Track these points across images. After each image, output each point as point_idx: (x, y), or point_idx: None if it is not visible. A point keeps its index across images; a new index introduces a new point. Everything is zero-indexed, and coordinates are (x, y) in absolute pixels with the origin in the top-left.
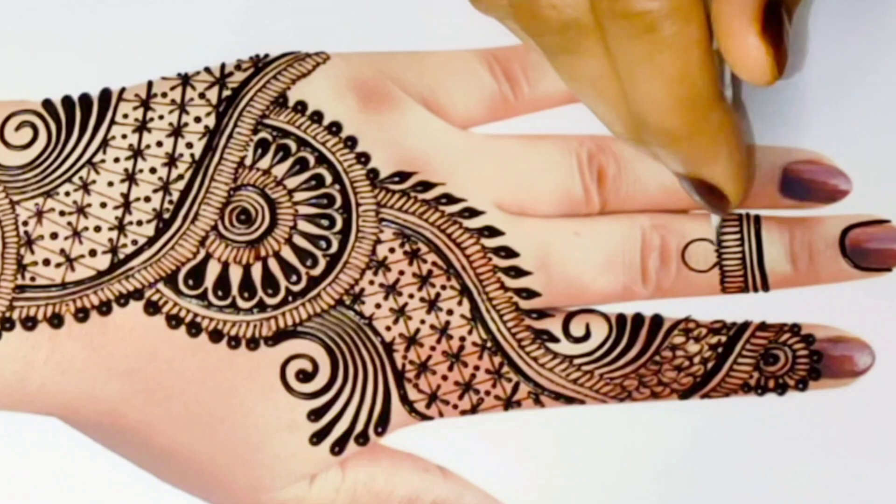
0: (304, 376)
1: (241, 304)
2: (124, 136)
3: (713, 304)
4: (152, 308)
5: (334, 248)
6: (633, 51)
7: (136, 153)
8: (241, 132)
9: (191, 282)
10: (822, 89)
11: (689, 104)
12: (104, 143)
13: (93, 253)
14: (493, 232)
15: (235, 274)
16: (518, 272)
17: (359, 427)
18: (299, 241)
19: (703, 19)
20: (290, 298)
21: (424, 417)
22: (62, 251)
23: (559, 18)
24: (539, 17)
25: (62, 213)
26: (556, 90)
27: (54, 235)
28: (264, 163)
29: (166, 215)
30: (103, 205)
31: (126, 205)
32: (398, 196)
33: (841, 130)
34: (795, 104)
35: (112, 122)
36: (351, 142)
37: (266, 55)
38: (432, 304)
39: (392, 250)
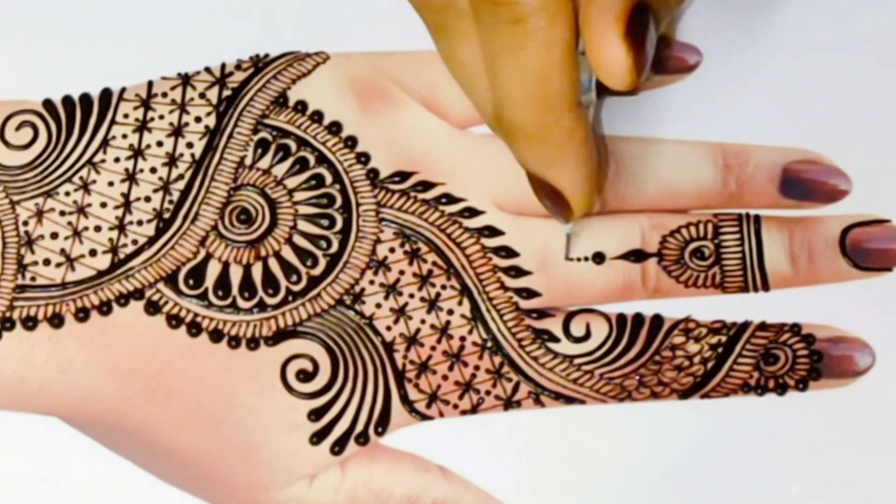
0: (305, 376)
1: (241, 303)
2: (125, 136)
3: (713, 304)
4: (153, 308)
5: (334, 247)
6: (498, 41)
7: (137, 153)
8: (242, 132)
9: (191, 281)
10: (823, 89)
11: (543, 104)
12: (104, 143)
13: (93, 253)
14: (493, 232)
15: (236, 274)
16: (518, 272)
17: (359, 427)
18: (299, 240)
19: (571, 20)
20: (290, 298)
21: (424, 417)
22: (62, 251)
23: None
24: None
25: (62, 213)
26: None
27: (54, 235)
28: (264, 162)
29: (166, 215)
30: (103, 204)
31: (126, 204)
32: (398, 196)
33: (841, 130)
34: (796, 104)
35: (112, 121)
36: (351, 141)
37: (266, 55)
38: (432, 304)
39: (392, 250)
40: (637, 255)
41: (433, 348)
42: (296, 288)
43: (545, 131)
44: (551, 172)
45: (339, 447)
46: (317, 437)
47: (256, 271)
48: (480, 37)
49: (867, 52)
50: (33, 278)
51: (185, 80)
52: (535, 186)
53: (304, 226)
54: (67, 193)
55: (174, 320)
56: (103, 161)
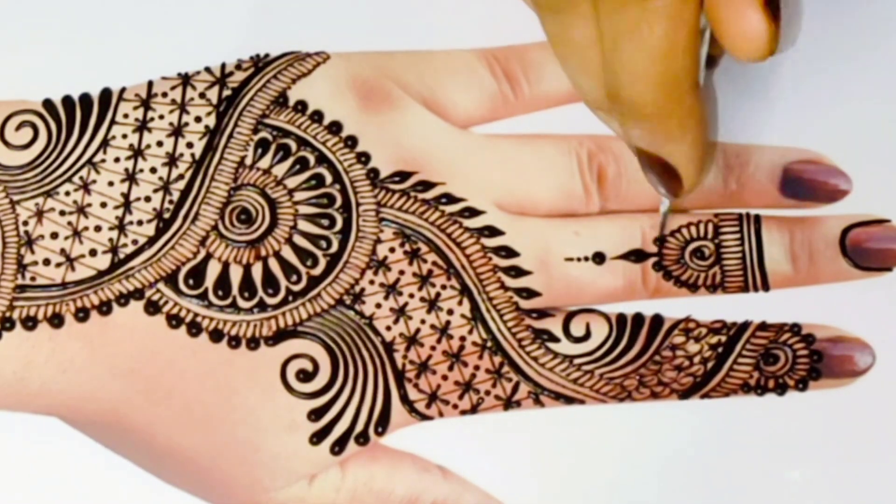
0: (305, 376)
1: (241, 303)
2: (125, 136)
3: (713, 304)
4: (153, 308)
5: (334, 247)
6: (622, 19)
7: (137, 153)
8: (242, 132)
9: (191, 281)
10: (823, 89)
11: (667, 82)
12: (104, 143)
13: (93, 253)
14: (493, 231)
15: (236, 274)
16: (518, 272)
17: (359, 427)
18: (299, 240)
19: None
20: (290, 298)
21: (424, 417)
22: (62, 251)
23: None
24: None
25: (62, 213)
26: (556, 90)
27: (54, 235)
28: (264, 162)
29: (167, 215)
30: (103, 204)
31: (126, 204)
32: (398, 196)
33: (841, 130)
34: (796, 104)
35: (112, 121)
36: (351, 141)
37: (266, 55)
38: (432, 304)
39: (392, 250)
40: (637, 255)
41: (433, 348)
42: (296, 288)
43: (667, 110)
44: (668, 149)
45: (339, 447)
46: (317, 437)
47: (256, 271)
48: (602, 16)
49: (867, 52)
50: (33, 278)
51: (185, 80)
52: (646, 164)
53: (304, 226)
54: (67, 193)
55: (174, 320)
56: (103, 161)
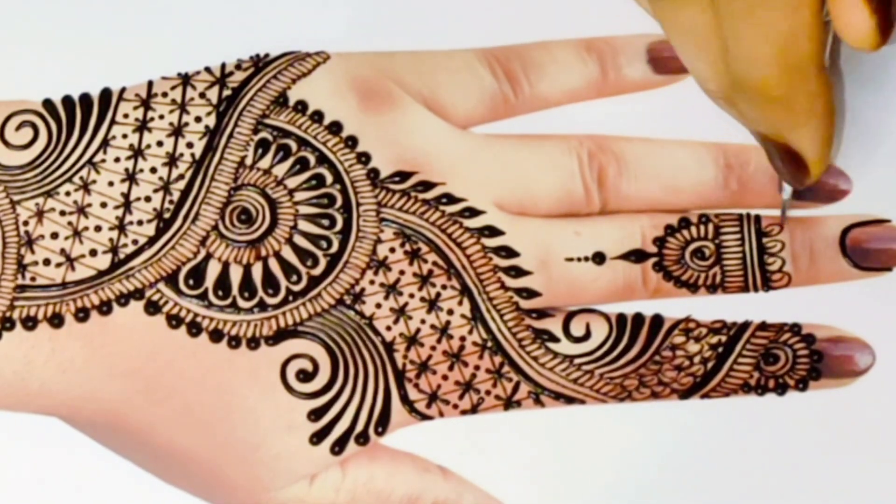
0: (305, 376)
1: (241, 303)
2: (125, 136)
3: (713, 304)
4: (153, 308)
5: (335, 247)
6: (742, 5)
7: (137, 153)
8: (242, 132)
9: (191, 281)
10: None
11: (792, 66)
12: (104, 143)
13: (93, 253)
14: (493, 231)
15: (236, 274)
16: (518, 272)
17: (359, 427)
18: (300, 240)
19: None
20: (290, 298)
21: (424, 417)
22: (62, 251)
23: None
24: None
25: (62, 213)
26: (557, 90)
27: (55, 235)
28: (265, 162)
29: (167, 215)
30: (104, 204)
31: (126, 204)
32: (399, 196)
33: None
34: None
35: (112, 121)
36: (351, 141)
37: (266, 55)
38: (433, 304)
39: (392, 250)
40: (637, 255)
41: (433, 348)
42: (296, 288)
43: (791, 94)
44: (793, 135)
45: (339, 447)
46: (317, 437)
47: (256, 271)
48: (720, 2)
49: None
50: (33, 278)
51: (185, 80)
52: (771, 150)
53: (304, 226)
54: (68, 193)
55: (174, 320)
56: (103, 161)
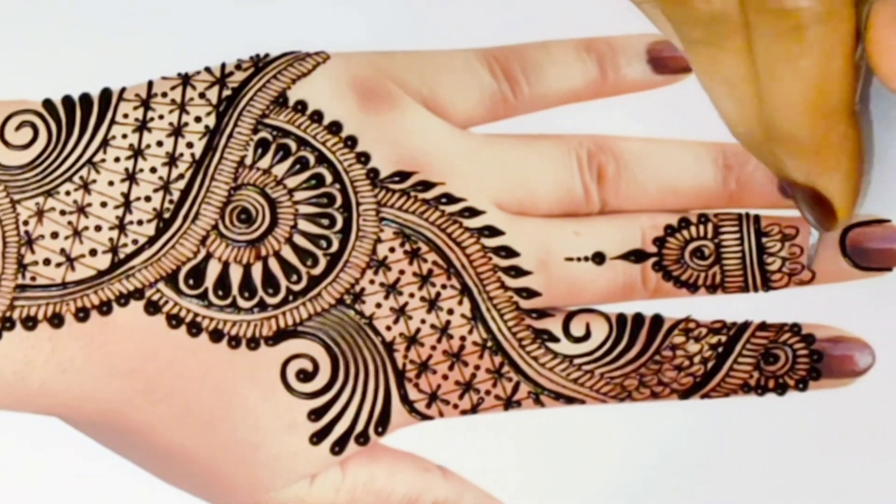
0: (305, 376)
1: (241, 303)
2: (125, 136)
3: (713, 304)
4: (153, 308)
5: (335, 247)
6: (776, 50)
7: (137, 153)
8: (242, 132)
9: (191, 281)
10: None
11: (824, 112)
12: (104, 143)
13: (93, 252)
14: (493, 231)
15: (236, 273)
16: (518, 272)
17: (359, 427)
18: (300, 240)
19: (853, 26)
20: (290, 298)
21: (425, 417)
22: (62, 251)
23: (709, 10)
24: (688, 7)
25: (63, 213)
26: (556, 90)
27: (55, 235)
28: (264, 162)
29: (167, 215)
30: (104, 204)
31: (126, 204)
32: (398, 195)
33: None
34: None
35: (112, 121)
36: (351, 141)
37: (266, 55)
38: (433, 304)
39: (392, 250)
40: (637, 255)
41: (433, 348)
42: (296, 287)
43: (822, 139)
44: (822, 180)
45: (339, 447)
46: (317, 437)
47: (256, 271)
48: (756, 48)
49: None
50: (33, 278)
51: (185, 80)
52: (799, 195)
53: (304, 225)
54: (68, 193)
55: (174, 320)
56: (103, 161)
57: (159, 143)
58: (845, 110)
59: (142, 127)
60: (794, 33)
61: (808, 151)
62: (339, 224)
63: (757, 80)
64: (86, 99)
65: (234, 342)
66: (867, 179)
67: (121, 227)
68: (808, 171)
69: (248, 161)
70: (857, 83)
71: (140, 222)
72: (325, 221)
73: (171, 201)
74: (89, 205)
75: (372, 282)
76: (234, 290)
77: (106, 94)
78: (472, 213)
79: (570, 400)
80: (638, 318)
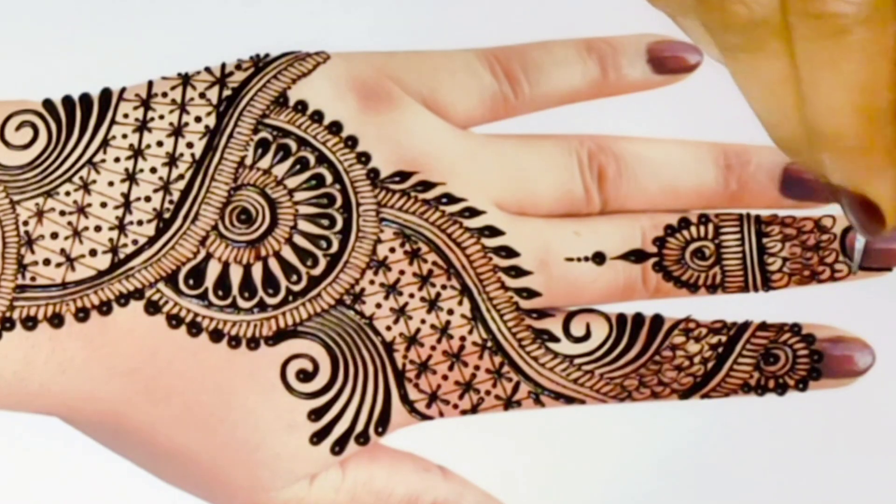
0: (305, 376)
1: (241, 303)
2: (125, 136)
3: (713, 304)
4: (153, 308)
5: (335, 247)
6: (819, 54)
7: (137, 153)
8: (242, 132)
9: (191, 281)
10: None
11: (870, 115)
12: (104, 143)
13: (93, 253)
14: (493, 232)
15: (236, 274)
16: (518, 272)
17: (359, 427)
18: (300, 240)
19: None
20: (290, 298)
21: (425, 417)
22: (62, 251)
23: (748, 16)
24: (727, 13)
25: (62, 213)
26: (557, 90)
27: (55, 235)
28: (265, 162)
29: (167, 215)
30: (104, 204)
31: (126, 204)
32: (399, 196)
33: None
34: None
35: (112, 121)
36: (351, 141)
37: (266, 55)
38: (433, 304)
39: (392, 250)
40: (637, 255)
41: (433, 348)
42: (296, 288)
43: (869, 143)
44: (870, 184)
45: (339, 447)
46: (317, 437)
47: (256, 271)
48: (798, 52)
49: None
50: (33, 278)
51: (185, 80)
52: (846, 200)
53: (304, 226)
54: (67, 193)
55: (174, 320)
56: (103, 161)
57: (159, 144)
58: (892, 112)
59: (142, 127)
60: (837, 37)
61: (854, 155)
62: (340, 224)
63: (799, 83)
64: (86, 99)
65: (234, 342)
66: None
67: (121, 227)
68: (854, 175)
69: (249, 161)
70: None
71: (140, 222)
72: (325, 222)
73: (171, 201)
74: (89, 205)
75: (372, 282)
76: (234, 291)
77: (106, 94)
78: (473, 213)
79: (570, 400)
80: (638, 318)
